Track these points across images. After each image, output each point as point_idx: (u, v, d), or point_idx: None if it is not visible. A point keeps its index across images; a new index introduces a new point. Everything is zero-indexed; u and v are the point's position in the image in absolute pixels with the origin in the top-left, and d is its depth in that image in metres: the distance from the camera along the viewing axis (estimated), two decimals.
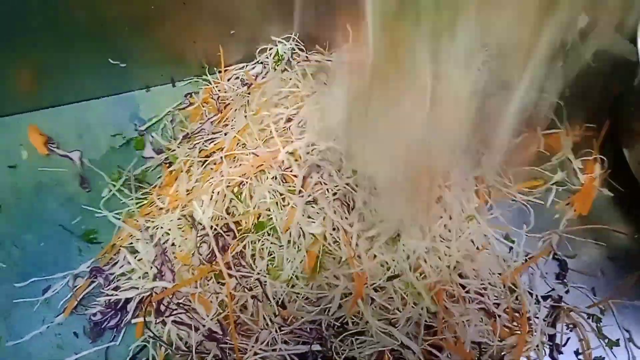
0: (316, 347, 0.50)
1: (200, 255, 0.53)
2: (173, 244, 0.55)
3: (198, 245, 0.53)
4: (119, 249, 0.57)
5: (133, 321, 0.55)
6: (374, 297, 0.51)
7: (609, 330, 0.56)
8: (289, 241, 0.53)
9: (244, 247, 0.53)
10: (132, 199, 0.60)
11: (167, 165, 0.62)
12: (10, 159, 0.63)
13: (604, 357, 0.55)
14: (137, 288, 0.55)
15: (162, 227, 0.56)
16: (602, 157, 0.64)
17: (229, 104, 0.62)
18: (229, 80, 0.66)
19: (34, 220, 0.60)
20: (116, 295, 0.55)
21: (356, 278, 0.51)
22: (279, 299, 0.51)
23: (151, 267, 0.55)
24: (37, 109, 0.65)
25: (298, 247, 0.52)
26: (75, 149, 0.63)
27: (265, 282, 0.51)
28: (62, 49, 0.60)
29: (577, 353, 0.55)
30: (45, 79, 0.63)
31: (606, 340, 0.56)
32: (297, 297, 0.51)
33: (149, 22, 0.60)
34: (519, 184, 0.62)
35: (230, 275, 0.51)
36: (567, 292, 0.59)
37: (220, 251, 0.52)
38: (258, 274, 0.51)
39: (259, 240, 0.52)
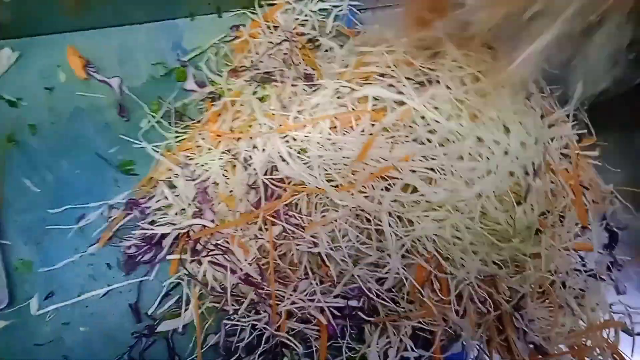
0: (354, 302, 0.49)
1: (248, 200, 0.50)
2: (215, 183, 0.53)
3: (247, 191, 0.50)
4: (157, 183, 0.55)
5: (168, 257, 0.53)
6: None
7: None
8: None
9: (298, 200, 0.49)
10: (172, 132, 0.58)
11: (211, 100, 0.59)
12: (47, 81, 0.60)
13: None
14: (174, 224, 0.53)
15: (203, 165, 0.54)
16: None
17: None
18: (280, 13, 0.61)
19: (69, 146, 0.58)
20: (152, 229, 0.53)
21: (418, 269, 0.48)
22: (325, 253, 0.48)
23: (189, 205, 0.53)
24: (77, 29, 0.62)
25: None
26: (114, 75, 0.60)
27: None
28: None
29: None
30: None
31: None
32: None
33: None
34: None
35: (274, 223, 0.49)
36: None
37: (269, 199, 0.49)
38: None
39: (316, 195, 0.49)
